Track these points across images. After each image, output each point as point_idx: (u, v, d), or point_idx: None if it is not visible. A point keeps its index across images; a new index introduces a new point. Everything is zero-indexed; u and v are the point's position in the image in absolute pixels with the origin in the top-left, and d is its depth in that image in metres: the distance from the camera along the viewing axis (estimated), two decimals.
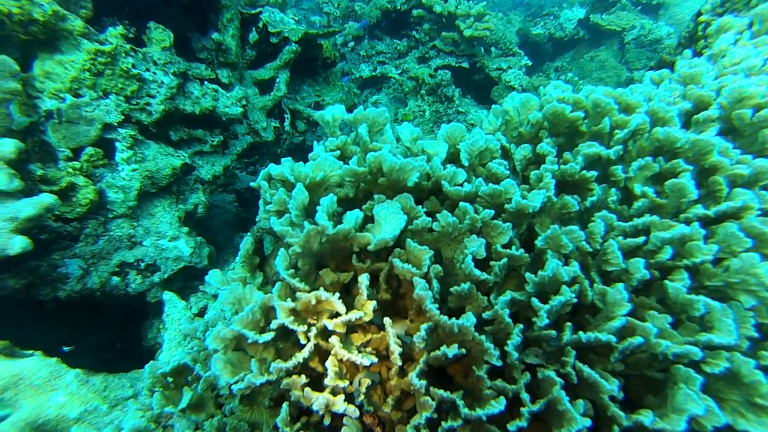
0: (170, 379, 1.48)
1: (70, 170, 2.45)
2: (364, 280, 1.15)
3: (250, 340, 1.09)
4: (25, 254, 2.10)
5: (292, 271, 1.14)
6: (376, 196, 1.33)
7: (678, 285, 1.08)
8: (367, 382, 1.13)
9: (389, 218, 1.21)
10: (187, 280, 2.88)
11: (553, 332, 1.06)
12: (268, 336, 1.09)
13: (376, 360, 1.10)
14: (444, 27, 4.69)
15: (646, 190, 1.28)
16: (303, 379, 1.11)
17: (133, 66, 2.66)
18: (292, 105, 3.73)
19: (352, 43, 4.98)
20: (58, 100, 2.43)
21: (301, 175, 1.28)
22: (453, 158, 1.42)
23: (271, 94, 3.52)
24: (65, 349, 2.39)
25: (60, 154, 2.45)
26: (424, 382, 1.05)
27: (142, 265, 2.65)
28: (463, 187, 1.27)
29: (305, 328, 1.11)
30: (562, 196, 1.29)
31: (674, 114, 1.34)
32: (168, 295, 1.89)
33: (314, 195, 1.32)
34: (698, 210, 1.20)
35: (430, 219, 1.24)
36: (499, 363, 1.05)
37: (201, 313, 2.76)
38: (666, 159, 1.31)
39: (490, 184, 1.26)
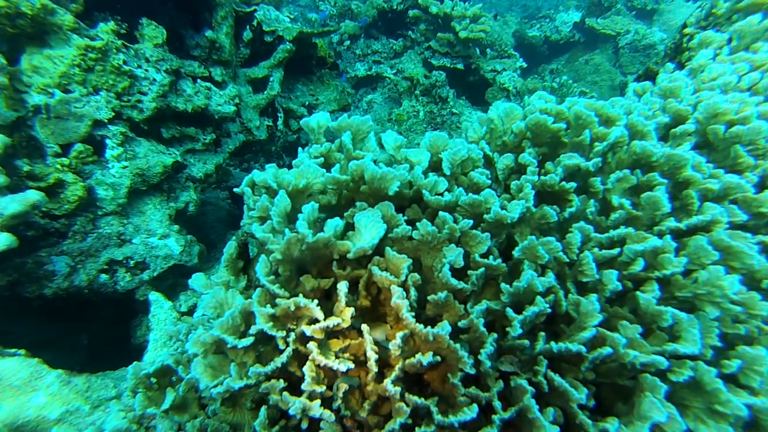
0: (154, 380, 1.50)
1: (59, 166, 2.46)
2: (342, 287, 1.17)
3: (229, 345, 1.11)
4: (11, 251, 2.11)
5: (272, 277, 1.16)
6: (357, 204, 1.35)
7: (649, 296, 1.11)
8: (344, 387, 1.15)
9: (369, 226, 1.23)
10: (177, 278, 2.89)
11: (527, 342, 1.08)
12: (247, 341, 1.11)
13: (353, 366, 1.12)
14: (440, 28, 4.71)
15: (623, 202, 1.30)
16: (281, 383, 1.13)
17: (125, 62, 2.66)
18: (285, 104, 3.75)
19: (348, 42, 4.99)
20: (47, 96, 2.43)
21: (284, 182, 1.29)
22: (436, 167, 1.44)
23: (265, 92, 3.52)
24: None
25: (48, 150, 2.45)
26: (398, 389, 1.08)
27: (132, 262, 2.66)
28: (443, 196, 1.29)
29: (284, 333, 1.13)
30: (542, 206, 1.31)
31: (651, 128, 1.37)
32: (154, 296, 1.90)
33: (297, 202, 1.34)
34: (671, 223, 1.23)
35: (410, 228, 1.26)
36: (472, 371, 1.07)
37: (190, 312, 2.78)
38: (643, 172, 1.34)
39: (470, 194, 1.28)
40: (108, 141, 2.69)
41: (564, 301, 1.15)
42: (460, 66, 4.72)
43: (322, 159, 1.41)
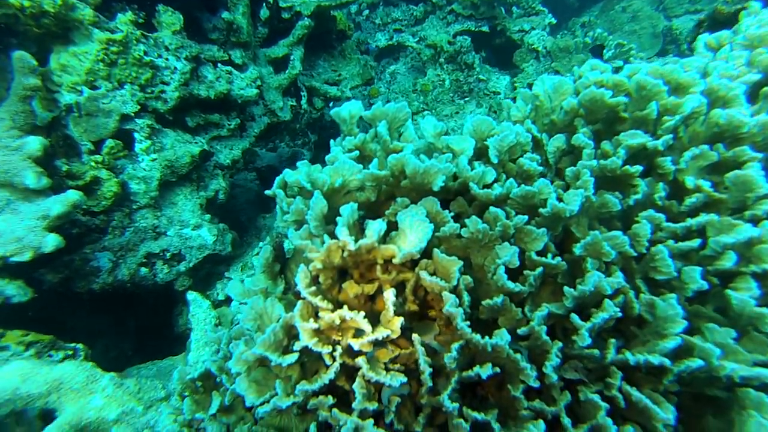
0: (199, 383, 1.46)
1: (93, 164, 2.42)
2: (390, 295, 1.07)
3: (273, 363, 1.03)
4: (59, 250, 2.10)
5: (313, 288, 1.06)
6: (399, 200, 1.23)
7: (744, 296, 0.96)
8: (396, 399, 1.07)
9: (415, 227, 1.11)
10: (212, 267, 2.87)
11: (596, 351, 0.96)
12: (291, 358, 1.03)
13: (405, 380, 1.03)
14: None
15: (700, 183, 1.13)
16: (330, 399, 1.05)
17: (145, 53, 2.55)
18: (308, 82, 3.58)
19: (366, 11, 4.73)
20: (76, 93, 2.36)
21: (318, 182, 1.18)
22: (480, 153, 1.30)
23: (286, 72, 3.37)
24: None
25: (83, 147, 2.40)
26: (456, 405, 0.98)
27: (168, 255, 2.63)
28: (493, 189, 1.15)
29: (330, 349, 1.04)
30: (602, 194, 1.16)
31: (739, 92, 1.17)
32: (192, 295, 1.86)
33: (334, 201, 1.23)
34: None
35: (458, 225, 1.14)
36: (536, 384, 0.96)
37: (228, 300, 2.76)
38: (726, 146, 1.16)
39: (523, 186, 1.14)
40: (136, 134, 2.62)
41: (636, 302, 1.01)
42: (485, 28, 4.42)
43: (357, 152, 1.28)
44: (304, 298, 1.06)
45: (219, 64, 3.02)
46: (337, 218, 1.09)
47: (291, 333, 1.10)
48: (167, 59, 2.72)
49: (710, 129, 1.16)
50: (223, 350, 1.35)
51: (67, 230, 2.32)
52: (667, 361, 0.89)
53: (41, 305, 2.53)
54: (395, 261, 1.08)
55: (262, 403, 1.05)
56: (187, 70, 2.73)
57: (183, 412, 1.38)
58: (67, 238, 2.21)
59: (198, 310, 1.80)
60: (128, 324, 3.11)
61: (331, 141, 1.35)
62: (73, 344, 2.05)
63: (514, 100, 1.50)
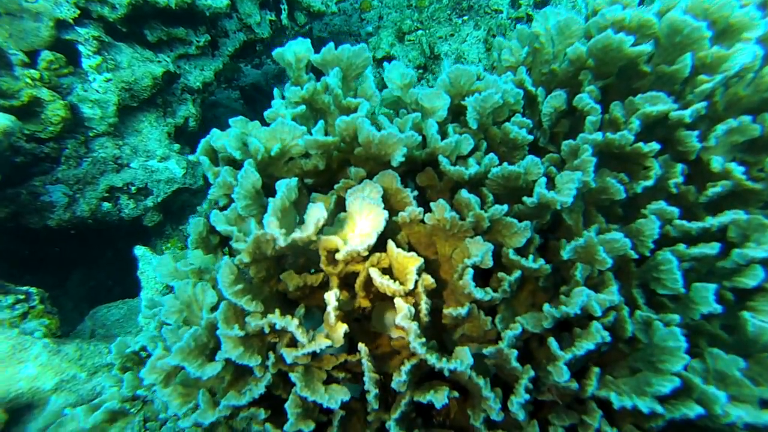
0: (144, 354, 1.30)
1: (29, 80, 2.06)
2: (331, 298, 0.84)
3: (192, 376, 0.83)
4: (2, 182, 1.85)
5: (239, 287, 0.83)
6: (352, 170, 0.95)
7: (763, 322, 0.74)
8: (340, 413, 0.89)
9: (365, 212, 0.86)
10: (185, 202, 2.63)
11: (575, 385, 0.76)
12: (213, 370, 0.83)
13: (347, 398, 0.84)
14: None
15: (730, 168, 0.86)
16: (262, 413, 0.87)
17: None
18: None
19: None
20: None
21: (250, 149, 0.90)
22: (458, 112, 1.00)
23: None
24: None
25: (12, 57, 2.04)
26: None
27: (133, 188, 2.38)
28: (467, 167, 0.87)
29: (259, 361, 0.84)
30: (603, 177, 0.89)
31: None
32: (140, 251, 1.64)
33: (272, 170, 0.96)
34: None
35: (421, 210, 0.88)
36: (499, 417, 0.78)
37: None
38: None
39: (505, 165, 0.86)
40: (81, 47, 2.23)
41: (629, 322, 0.79)
42: None
43: (304, 107, 0.98)
44: (227, 300, 0.84)
45: None
46: (268, 199, 0.83)
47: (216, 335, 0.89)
48: None
49: (759, 92, 0.86)
50: (154, 321, 1.16)
51: (9, 158, 2.05)
52: (659, 408, 0.69)
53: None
54: (338, 257, 0.84)
55: (185, 414, 0.88)
56: None
57: (123, 387, 1.23)
58: (9, 168, 1.95)
59: (147, 267, 1.59)
60: (106, 254, 2.95)
61: (275, 90, 1.04)
62: (25, 287, 1.86)
63: (507, 34, 1.15)
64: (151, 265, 1.58)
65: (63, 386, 1.34)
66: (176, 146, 2.55)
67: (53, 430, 1.23)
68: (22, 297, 1.82)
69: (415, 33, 3.25)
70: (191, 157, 2.60)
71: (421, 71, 3.10)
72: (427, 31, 3.09)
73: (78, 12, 2.07)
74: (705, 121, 0.92)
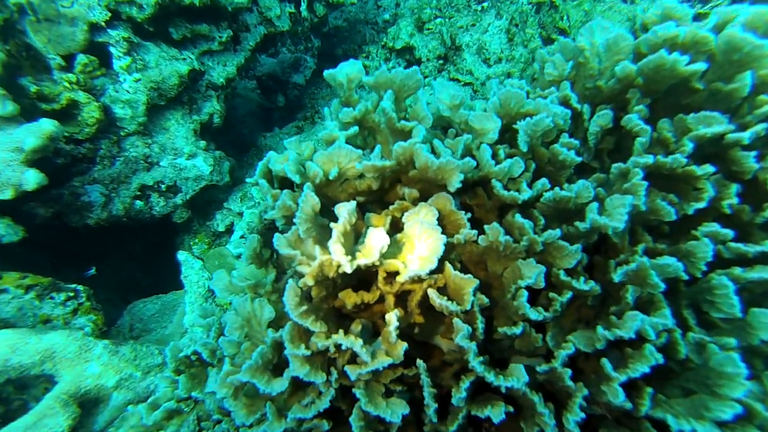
0: (194, 357, 1.36)
1: (67, 84, 2.11)
2: (393, 318, 0.88)
3: (261, 392, 0.88)
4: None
5: (304, 308, 0.88)
6: (406, 192, 0.98)
7: None
8: (398, 425, 0.94)
9: (424, 236, 0.89)
10: (211, 197, 2.67)
11: (629, 405, 0.80)
12: (281, 386, 0.88)
13: (407, 411, 0.89)
14: None
15: None
16: (326, 424, 0.93)
17: None
18: None
19: None
20: None
21: (309, 173, 0.93)
22: (506, 128, 1.01)
23: None
24: (89, 272, 2.33)
25: (51, 62, 2.07)
26: None
27: (163, 186, 2.42)
28: (520, 192, 0.90)
29: (324, 378, 0.89)
30: (654, 199, 0.91)
31: None
32: (183, 256, 1.69)
33: (328, 191, 0.99)
34: None
35: (475, 232, 0.91)
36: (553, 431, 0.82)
37: (228, 231, 2.61)
38: None
39: (557, 190, 0.88)
40: (112, 49, 2.26)
41: (682, 344, 0.83)
42: None
43: (356, 128, 1.00)
44: (293, 321, 0.88)
45: None
46: (332, 225, 0.87)
47: (281, 351, 0.94)
48: None
49: None
50: (214, 334, 1.22)
51: (51, 160, 2.10)
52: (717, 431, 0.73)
53: (41, 236, 2.41)
54: (399, 279, 0.88)
55: (252, 424, 0.93)
56: None
57: (179, 388, 1.30)
58: (52, 169, 2.00)
59: (190, 271, 1.65)
60: (135, 247, 3.02)
61: (326, 109, 1.06)
62: (73, 285, 1.95)
63: (548, 50, 1.15)
64: (194, 270, 1.64)
65: (122, 384, 1.42)
66: (202, 143, 2.58)
67: (118, 424, 1.31)
68: (71, 294, 1.90)
69: (434, 21, 3.21)
70: (216, 153, 2.62)
71: (441, 62, 3.08)
72: (447, 21, 3.05)
73: (109, 15, 2.08)
74: (761, 139, 0.93)
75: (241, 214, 2.56)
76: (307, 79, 3.82)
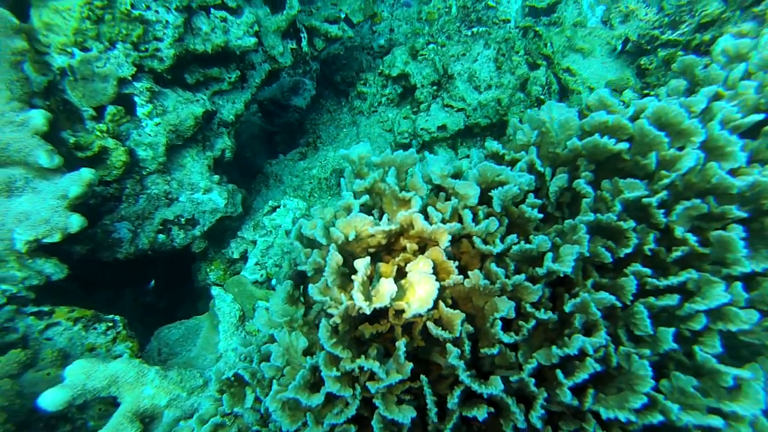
0: (233, 379, 1.71)
1: (99, 133, 2.46)
2: (401, 345, 1.23)
3: (303, 405, 1.23)
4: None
5: (334, 340, 1.23)
6: (408, 246, 1.33)
7: (707, 354, 1.12)
8: (408, 426, 1.29)
9: (422, 282, 1.24)
10: (225, 227, 3.02)
11: (576, 402, 1.15)
12: (318, 400, 1.23)
13: (414, 414, 1.24)
14: None
15: (687, 237, 1.23)
16: (353, 428, 1.28)
17: (133, 6, 2.44)
18: (307, 21, 3.38)
19: None
20: (68, 56, 2.33)
21: (333, 236, 1.28)
22: (485, 192, 1.36)
23: (284, 12, 3.17)
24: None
25: (84, 113, 2.42)
26: None
27: (182, 220, 2.77)
28: (494, 246, 1.25)
29: (350, 392, 1.23)
30: (596, 245, 1.26)
31: (736, 148, 1.21)
32: (216, 290, 2.04)
33: (347, 247, 1.34)
34: (743, 268, 1.17)
35: (461, 277, 1.26)
36: (523, 426, 1.17)
37: (243, 257, 2.95)
38: (717, 200, 1.23)
39: (522, 244, 1.24)
40: (137, 98, 2.61)
41: (614, 355, 1.18)
42: None
43: (367, 196, 1.36)
44: (327, 351, 1.23)
45: (212, 10, 2.85)
46: (353, 277, 1.22)
47: (317, 374, 1.29)
48: (157, 11, 2.59)
49: (704, 183, 1.22)
50: (254, 358, 1.57)
51: (85, 201, 2.45)
52: (633, 418, 1.08)
53: (75, 270, 2.76)
54: (405, 316, 1.23)
55: (296, 430, 1.28)
56: (179, 22, 2.62)
57: (223, 405, 1.65)
58: (85, 209, 2.34)
59: (223, 303, 1.99)
60: (152, 274, 3.37)
61: (342, 180, 1.41)
62: (111, 316, 2.30)
63: (521, 121, 1.51)
64: (225, 302, 1.99)
65: (172, 403, 1.76)
66: (216, 177, 2.93)
67: None
68: (110, 324, 2.26)
69: (426, 48, 3.56)
70: (229, 186, 2.96)
71: (435, 88, 3.43)
72: (440, 48, 3.40)
73: (135, 69, 2.43)
74: (671, 197, 1.28)
75: (254, 242, 2.91)
76: (307, 104, 4.16)
